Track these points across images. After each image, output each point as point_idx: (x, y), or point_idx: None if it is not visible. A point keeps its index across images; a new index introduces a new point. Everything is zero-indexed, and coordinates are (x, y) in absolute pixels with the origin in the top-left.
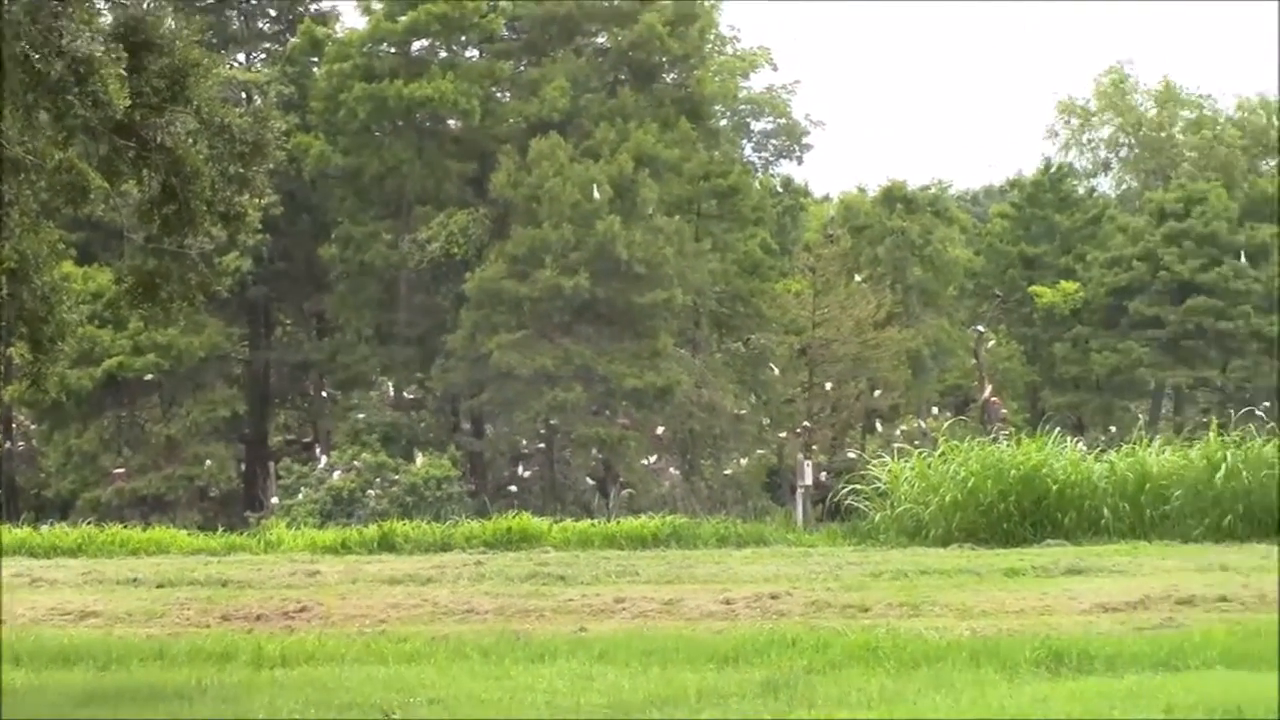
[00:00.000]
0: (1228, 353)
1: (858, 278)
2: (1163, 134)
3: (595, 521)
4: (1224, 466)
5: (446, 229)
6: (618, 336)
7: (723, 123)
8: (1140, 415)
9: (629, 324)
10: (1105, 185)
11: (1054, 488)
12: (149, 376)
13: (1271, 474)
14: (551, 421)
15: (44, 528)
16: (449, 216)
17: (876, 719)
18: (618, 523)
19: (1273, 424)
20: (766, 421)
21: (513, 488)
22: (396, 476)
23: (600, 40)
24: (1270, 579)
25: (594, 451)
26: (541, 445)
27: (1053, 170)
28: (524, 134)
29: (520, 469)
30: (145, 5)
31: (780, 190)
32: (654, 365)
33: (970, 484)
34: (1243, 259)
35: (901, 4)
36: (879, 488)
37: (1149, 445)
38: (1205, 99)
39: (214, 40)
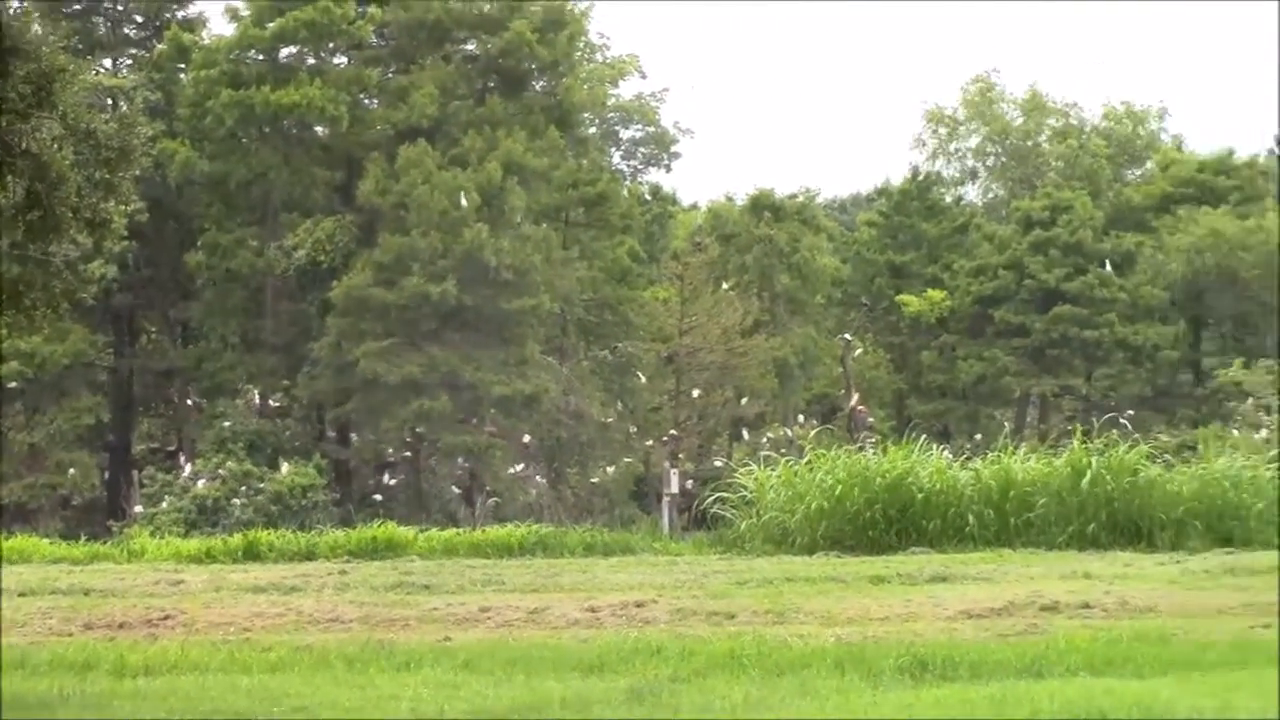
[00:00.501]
0: (1092, 361)
1: (725, 286)
2: (1029, 143)
3: (461, 530)
4: (1089, 474)
5: (313, 236)
6: (485, 344)
7: (591, 130)
8: (1005, 423)
9: (496, 332)
10: (972, 194)
11: (919, 496)
12: (12, 384)
13: (1133, 481)
14: (418, 430)
15: None
16: (316, 224)
17: None
18: (483, 531)
19: (1134, 432)
20: (633, 429)
21: (378, 496)
22: (262, 485)
23: (469, 47)
24: (1131, 586)
25: (460, 460)
26: (407, 453)
27: (920, 179)
28: (392, 141)
29: (386, 477)
30: (10, 11)
31: (648, 198)
32: (521, 373)
33: (836, 492)
34: (1107, 267)
35: (770, 12)
36: (745, 496)
37: (1014, 453)
38: (1071, 108)
39: (80, 46)
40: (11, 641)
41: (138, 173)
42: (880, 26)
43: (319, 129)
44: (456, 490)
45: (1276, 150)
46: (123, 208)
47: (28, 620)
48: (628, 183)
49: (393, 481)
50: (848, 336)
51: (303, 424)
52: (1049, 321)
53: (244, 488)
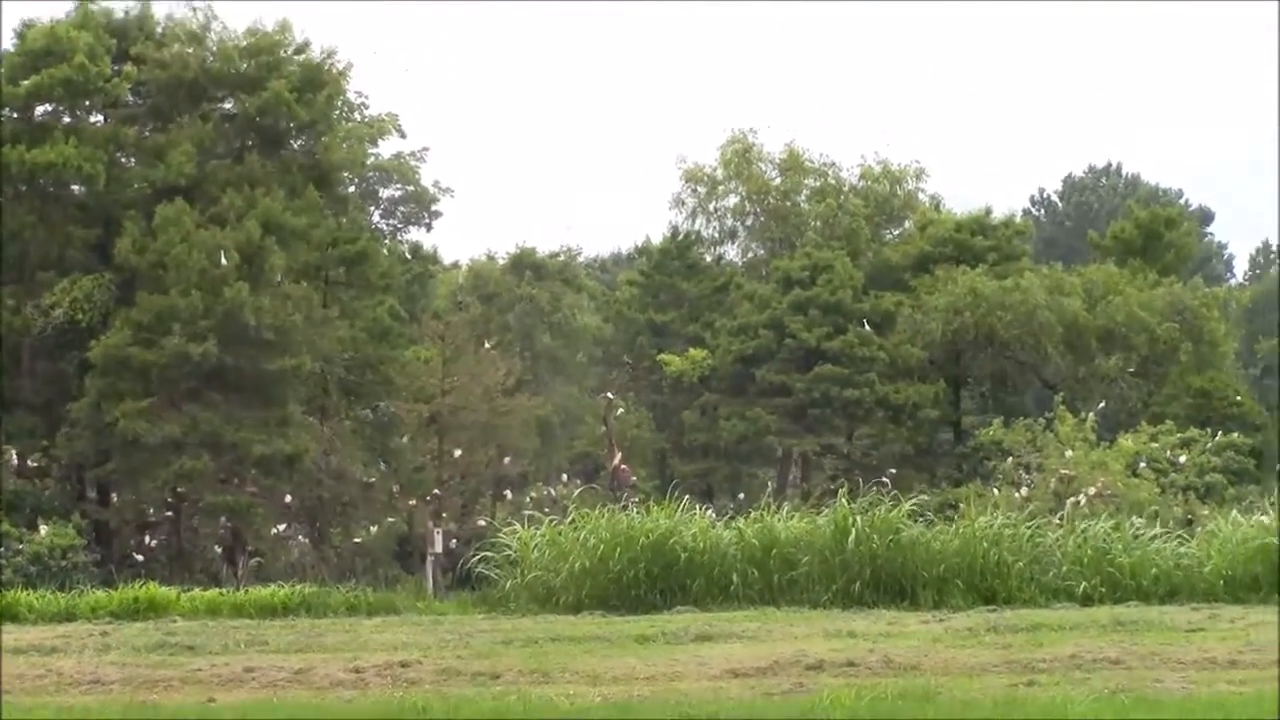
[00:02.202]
0: (853, 420)
1: (487, 345)
2: (788, 203)
3: (224, 591)
4: (852, 533)
5: (70, 295)
6: (246, 404)
7: (351, 189)
8: (769, 482)
9: (257, 391)
10: (732, 253)
11: (683, 555)
12: None
13: (896, 539)
14: (179, 490)
15: None
16: (73, 283)
17: None
18: (246, 592)
19: (896, 491)
20: (396, 489)
21: (140, 557)
22: (20, 546)
23: (227, 106)
24: (895, 645)
25: (222, 520)
26: (169, 514)
27: (679, 238)
28: (150, 199)
29: (147, 538)
30: None
31: (409, 257)
32: (282, 433)
33: (600, 551)
34: (867, 327)
35: (531, 70)
36: (509, 555)
37: (777, 512)
38: (829, 167)
39: None
40: None
41: None
42: (639, 84)
43: (75, 187)
44: (219, 550)
45: (1033, 210)
46: None
47: None
48: (388, 241)
49: (154, 542)
50: (610, 395)
51: (62, 484)
52: (810, 380)
53: (1, 549)
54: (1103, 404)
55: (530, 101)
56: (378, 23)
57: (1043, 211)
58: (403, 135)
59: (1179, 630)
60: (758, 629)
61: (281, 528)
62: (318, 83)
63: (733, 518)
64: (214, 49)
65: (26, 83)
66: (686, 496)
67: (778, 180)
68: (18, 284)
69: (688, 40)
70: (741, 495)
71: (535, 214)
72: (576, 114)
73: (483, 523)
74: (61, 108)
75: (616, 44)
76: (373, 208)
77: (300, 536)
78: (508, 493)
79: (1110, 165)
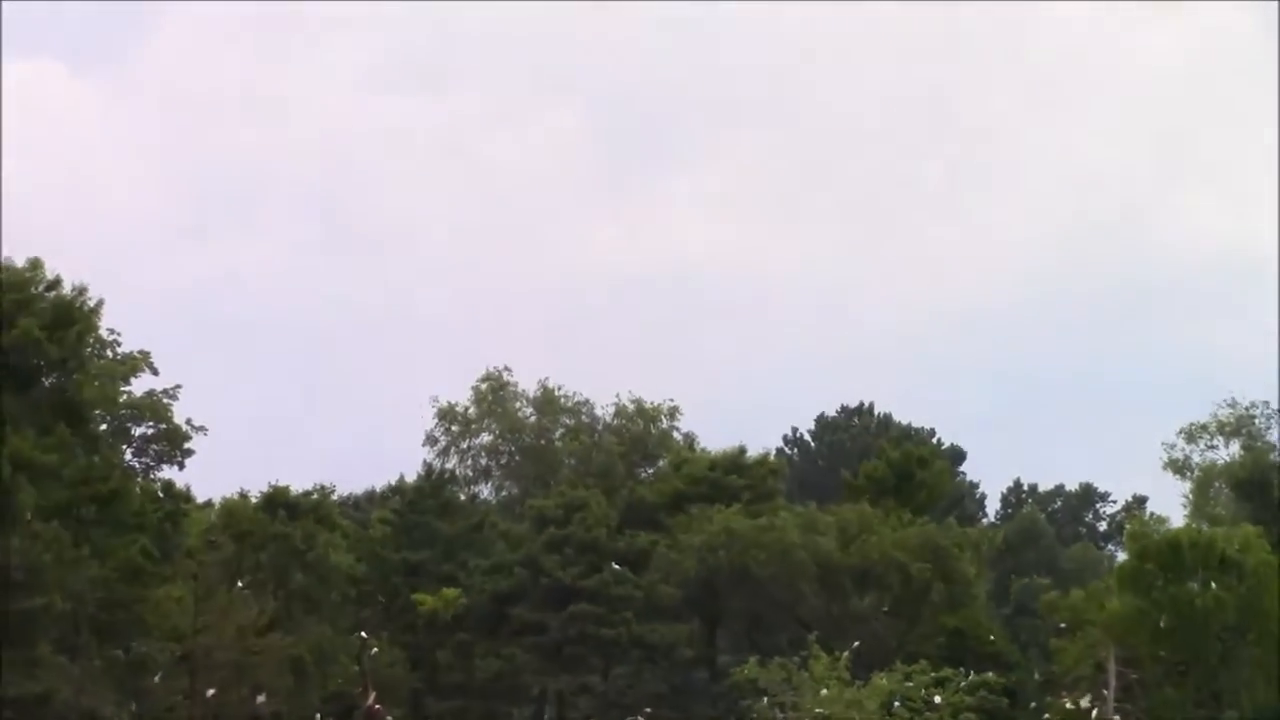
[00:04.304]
0: (609, 658)
1: (240, 583)
2: (542, 440)
3: None
4: None
5: None
6: None
7: (103, 427)
8: None
9: (7, 631)
10: (486, 491)
11: None
12: None
13: None
14: None
15: None
16: None
17: None
18: None
19: None
20: None
21: None
22: None
23: None
24: None
25: None
26: None
27: (433, 476)
28: None
29: None
30: None
31: (162, 495)
32: (31, 674)
33: None
34: (621, 566)
35: (284, 304)
36: None
37: None
38: (583, 405)
39: None
40: None
41: None
42: (392, 319)
43: None
44: None
45: (786, 449)
46: None
47: None
48: (140, 480)
49: None
50: (364, 635)
51: None
52: (565, 619)
53: None
54: (857, 643)
55: (284, 338)
56: (129, 254)
57: (796, 450)
58: (155, 372)
59: None
60: None
61: None
62: (69, 320)
63: None
64: None
65: None
66: None
67: (532, 418)
68: None
69: (442, 276)
70: None
71: (288, 452)
72: (328, 349)
73: None
74: None
75: (369, 279)
76: (125, 445)
77: None
78: None
79: (862, 405)
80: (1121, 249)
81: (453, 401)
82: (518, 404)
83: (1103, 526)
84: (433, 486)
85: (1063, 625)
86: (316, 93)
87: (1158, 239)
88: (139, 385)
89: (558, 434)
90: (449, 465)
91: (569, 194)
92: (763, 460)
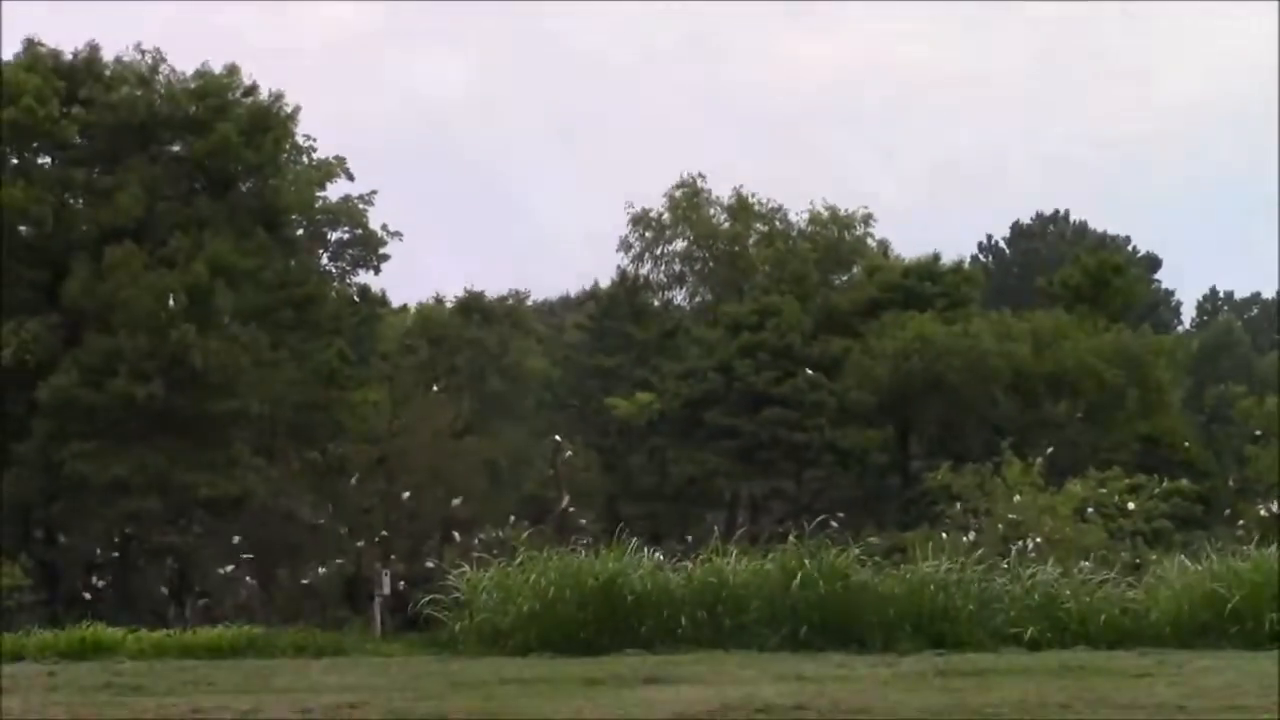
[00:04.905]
0: (801, 463)
1: (435, 387)
2: (736, 248)
3: (171, 631)
4: (799, 576)
5: (19, 337)
6: (194, 445)
7: (299, 232)
8: (716, 525)
9: (204, 433)
10: (680, 298)
11: (631, 597)
12: None
13: (845, 584)
14: (126, 530)
15: None
16: (20, 324)
17: None
18: (193, 632)
19: (844, 534)
20: (344, 530)
21: (87, 596)
22: None
23: (175, 148)
24: (844, 688)
25: (169, 560)
26: (116, 554)
27: (627, 283)
28: (98, 241)
29: (94, 578)
30: None
31: (358, 300)
32: (230, 474)
33: (549, 593)
34: (815, 371)
35: (477, 112)
36: (457, 597)
37: (725, 555)
38: (777, 212)
39: None
40: None
41: None
42: (588, 125)
43: (23, 229)
44: (165, 591)
45: (981, 257)
46: None
47: None
48: (336, 284)
49: (101, 582)
50: (558, 439)
51: (8, 525)
52: (758, 424)
53: None
54: (1050, 449)
55: (478, 143)
56: (325, 64)
57: (990, 258)
58: (350, 178)
59: (1127, 675)
60: (706, 672)
61: (229, 569)
62: (266, 126)
63: (681, 560)
64: (162, 92)
65: None
66: (634, 539)
67: (726, 225)
68: None
69: (638, 82)
70: (689, 538)
71: (484, 256)
72: (524, 155)
73: (431, 564)
74: (9, 150)
75: (566, 85)
76: (321, 250)
77: (248, 578)
78: (456, 534)
79: (1058, 212)
80: None
81: (647, 208)
82: (712, 211)
83: None
84: (627, 292)
85: (1258, 433)
86: None
87: None
88: (335, 191)
89: (751, 241)
90: (643, 271)
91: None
92: (957, 267)
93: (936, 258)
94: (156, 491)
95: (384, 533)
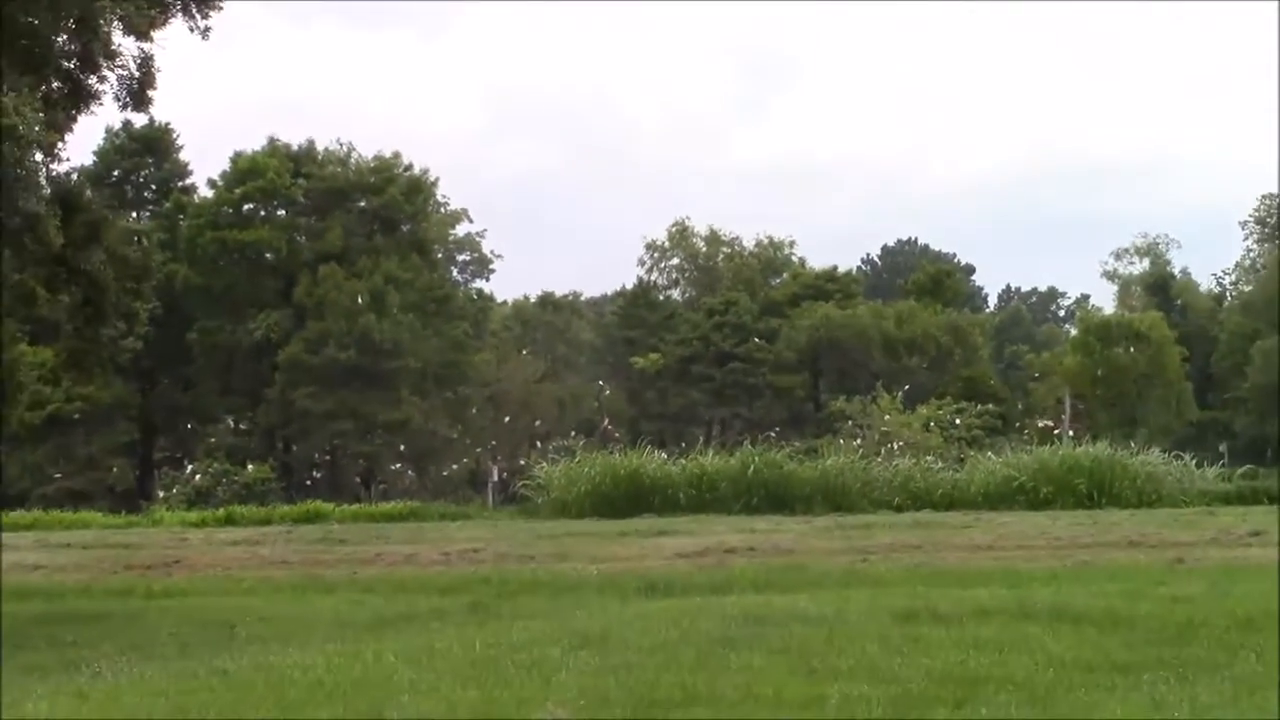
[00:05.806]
0: (753, 397)
1: (524, 352)
2: (710, 263)
3: (363, 505)
4: (752, 467)
5: (266, 322)
6: (374, 389)
7: (439, 255)
8: (699, 436)
9: (381, 382)
10: (676, 294)
11: (647, 481)
12: (76, 416)
13: (780, 471)
14: (335, 443)
15: (9, 513)
16: (267, 315)
17: (539, 626)
18: (377, 506)
19: (781, 441)
20: (469, 442)
21: (309, 483)
22: (236, 478)
23: (362, 204)
24: (779, 537)
25: (360, 461)
26: (328, 457)
27: (643, 285)
28: (314, 263)
29: (315, 473)
30: (73, 180)
31: (475, 297)
32: (398, 407)
33: (596, 479)
34: (761, 340)
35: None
36: (539, 482)
37: (705, 455)
38: (734, 240)
39: (115, 203)
40: (78, 578)
41: (153, 284)
42: (617, 176)
43: (268, 255)
44: (359, 480)
45: (863, 266)
46: (144, 306)
47: (89, 563)
48: (462, 289)
49: (319, 475)
50: (600, 383)
51: (261, 440)
52: (725, 373)
53: (224, 480)
54: (907, 387)
55: (557, 194)
56: (452, 144)
57: (869, 268)
58: (470, 220)
59: (956, 527)
60: (694, 527)
61: (397, 466)
62: (418, 189)
63: (678, 458)
64: (354, 168)
65: (238, 190)
66: (649, 445)
67: (704, 248)
68: (232, 315)
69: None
70: (683, 444)
71: (553, 267)
72: (584, 204)
73: (523, 463)
74: (259, 205)
75: (605, 148)
76: (452, 267)
77: (409, 472)
78: (538, 443)
79: (912, 239)
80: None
81: (654, 238)
82: (695, 239)
83: (1061, 314)
84: (643, 292)
85: (1036, 375)
86: None
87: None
88: (461, 229)
89: (720, 258)
90: (653, 277)
91: None
92: (848, 274)
93: (835, 268)
94: (352, 418)
95: (493, 442)
